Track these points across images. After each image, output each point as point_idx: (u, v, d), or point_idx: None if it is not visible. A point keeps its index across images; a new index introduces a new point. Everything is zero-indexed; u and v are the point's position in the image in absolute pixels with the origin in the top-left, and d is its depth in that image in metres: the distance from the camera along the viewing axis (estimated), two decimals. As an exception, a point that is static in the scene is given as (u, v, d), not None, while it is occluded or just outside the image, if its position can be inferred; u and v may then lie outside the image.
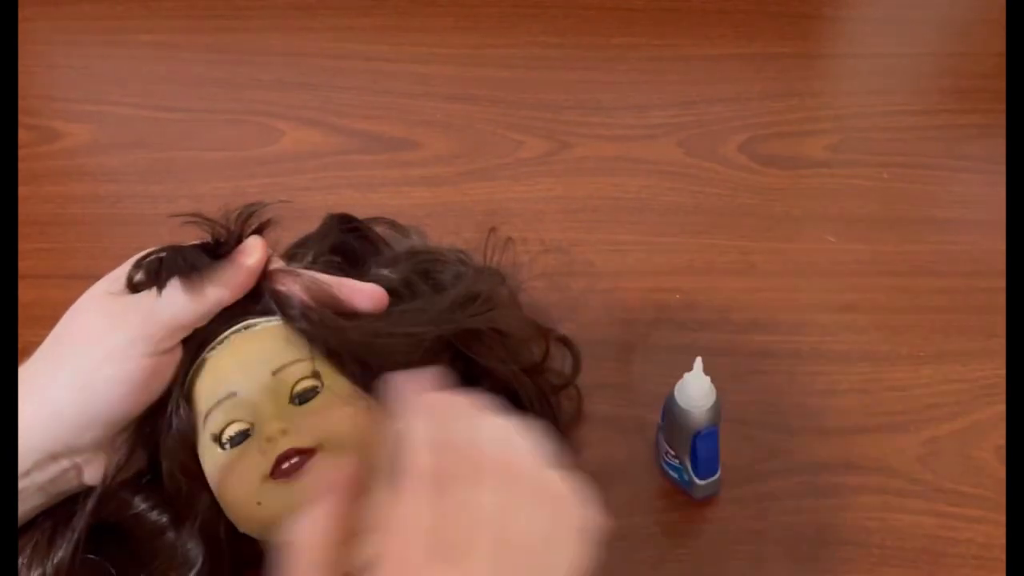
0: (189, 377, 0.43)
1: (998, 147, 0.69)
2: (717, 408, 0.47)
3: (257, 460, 0.40)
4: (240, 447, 0.41)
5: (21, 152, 0.67)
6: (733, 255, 0.62)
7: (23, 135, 0.69)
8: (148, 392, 0.42)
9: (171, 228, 0.63)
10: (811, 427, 0.53)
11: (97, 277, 0.60)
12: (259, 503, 0.40)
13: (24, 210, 0.64)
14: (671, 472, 0.50)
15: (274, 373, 0.42)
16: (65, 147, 0.69)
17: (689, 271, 0.61)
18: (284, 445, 0.40)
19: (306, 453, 0.39)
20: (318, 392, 0.42)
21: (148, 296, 0.42)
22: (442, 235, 0.62)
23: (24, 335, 0.57)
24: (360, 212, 0.59)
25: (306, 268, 0.53)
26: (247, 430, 0.41)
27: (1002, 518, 0.50)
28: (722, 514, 0.50)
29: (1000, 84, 0.74)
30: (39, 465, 0.40)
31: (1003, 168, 0.67)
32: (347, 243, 0.56)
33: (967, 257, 0.63)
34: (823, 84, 0.76)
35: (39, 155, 0.68)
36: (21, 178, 0.65)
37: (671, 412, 0.47)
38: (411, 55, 0.76)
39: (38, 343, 0.56)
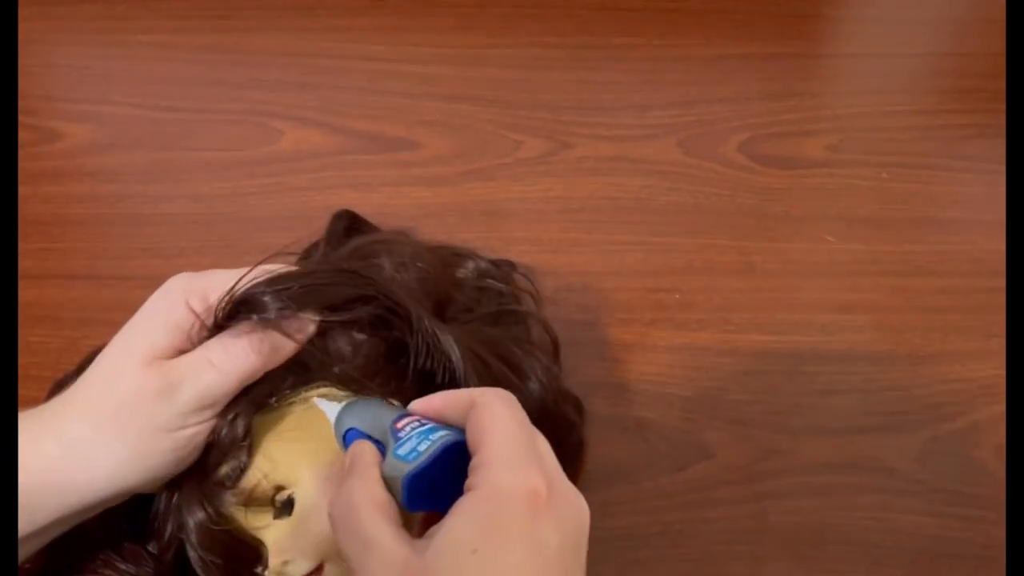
0: None
1: (998, 147, 0.69)
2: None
3: None
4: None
5: (21, 152, 0.67)
6: (733, 255, 0.62)
7: (23, 135, 0.69)
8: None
9: (173, 228, 0.63)
10: (811, 427, 0.53)
11: (97, 277, 0.61)
12: None
13: (24, 210, 0.64)
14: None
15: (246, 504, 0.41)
16: (65, 147, 0.69)
17: (688, 271, 0.61)
18: (294, 574, 0.39)
19: (315, 572, 0.39)
20: (293, 499, 0.40)
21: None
22: (442, 235, 0.62)
23: (24, 335, 0.57)
24: (360, 212, 0.59)
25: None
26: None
27: (1002, 518, 0.50)
28: (722, 514, 0.50)
29: (1000, 84, 0.74)
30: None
31: (1003, 168, 0.67)
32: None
33: (967, 257, 0.63)
34: (823, 84, 0.76)
35: (39, 155, 0.68)
36: (21, 178, 0.65)
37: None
38: (411, 55, 0.76)
39: (38, 343, 0.57)
